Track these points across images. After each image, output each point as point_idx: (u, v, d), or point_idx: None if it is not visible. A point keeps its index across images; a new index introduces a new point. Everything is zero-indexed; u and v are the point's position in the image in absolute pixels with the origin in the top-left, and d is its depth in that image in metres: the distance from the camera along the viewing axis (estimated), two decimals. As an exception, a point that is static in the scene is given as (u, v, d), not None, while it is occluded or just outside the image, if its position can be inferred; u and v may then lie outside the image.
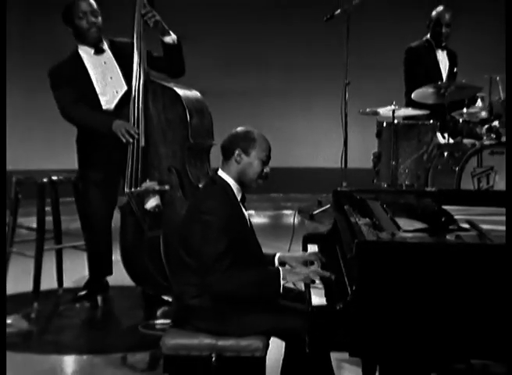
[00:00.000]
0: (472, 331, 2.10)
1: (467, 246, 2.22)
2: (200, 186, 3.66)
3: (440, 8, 5.41)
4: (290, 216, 6.71)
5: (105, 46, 4.00)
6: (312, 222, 5.64)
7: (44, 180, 4.09)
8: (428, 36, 5.51)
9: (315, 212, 5.80)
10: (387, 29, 6.85)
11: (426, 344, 2.12)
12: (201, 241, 2.62)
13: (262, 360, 2.67)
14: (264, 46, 7.14)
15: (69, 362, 3.40)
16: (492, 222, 2.70)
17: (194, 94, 3.97)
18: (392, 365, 2.19)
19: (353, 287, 2.13)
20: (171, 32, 3.90)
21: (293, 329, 2.57)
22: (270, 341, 2.70)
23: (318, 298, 2.43)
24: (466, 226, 2.52)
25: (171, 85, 3.94)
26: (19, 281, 4.09)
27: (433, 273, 2.11)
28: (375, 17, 6.50)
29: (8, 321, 3.61)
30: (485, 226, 2.54)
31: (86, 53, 3.98)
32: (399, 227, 2.37)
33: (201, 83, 4.22)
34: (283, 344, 2.79)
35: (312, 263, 2.80)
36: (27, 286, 4.07)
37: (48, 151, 6.89)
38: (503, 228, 2.51)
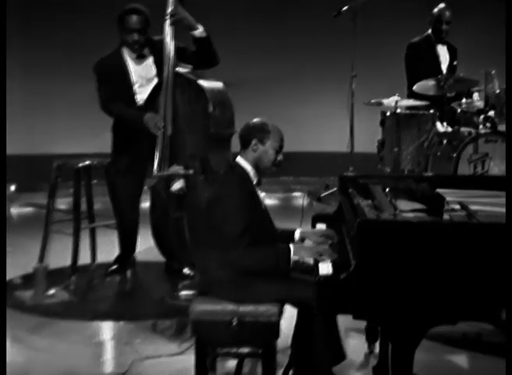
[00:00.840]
0: (457, 297, 2.34)
1: (454, 224, 2.45)
2: (220, 171, 3.74)
3: (441, 5, 5.52)
4: (300, 198, 6.78)
5: (146, 51, 4.07)
6: (320, 203, 5.73)
7: (80, 165, 4.22)
8: (429, 31, 5.64)
9: (323, 194, 5.91)
10: (391, 25, 6.88)
11: (418, 308, 2.34)
12: (224, 221, 2.82)
13: (277, 325, 2.86)
14: (277, 40, 7.21)
15: (107, 328, 3.59)
16: (481, 203, 2.85)
17: (218, 86, 4.06)
18: (389, 325, 2.42)
19: (356, 260, 2.36)
20: (199, 26, 3.91)
21: (304, 297, 2.79)
22: (284, 309, 2.90)
23: (324, 270, 2.65)
24: (457, 207, 2.69)
25: (196, 79, 4.01)
26: (58, 257, 4.30)
27: (423, 247, 2.33)
28: (380, 14, 6.54)
29: (51, 292, 3.83)
30: (474, 207, 2.71)
31: (128, 53, 4.07)
32: (396, 208, 2.58)
33: (222, 73, 4.29)
34: (296, 311, 2.99)
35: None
36: (66, 261, 4.26)
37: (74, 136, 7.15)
38: (491, 208, 2.72)
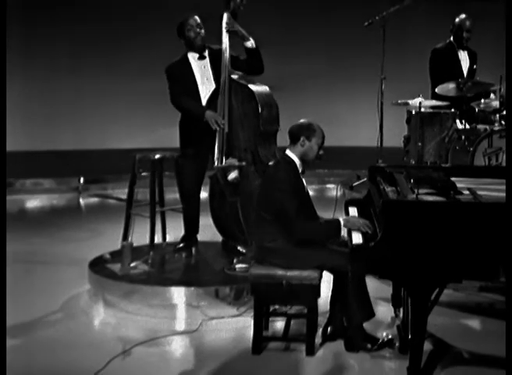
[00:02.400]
0: (461, 261, 2.80)
1: (458, 203, 2.95)
2: (269, 163, 4.07)
3: (462, 16, 5.67)
4: (333, 190, 7.01)
5: (206, 53, 4.45)
6: (352, 192, 5.93)
7: (156, 156, 4.51)
8: (452, 38, 5.74)
9: (354, 184, 6.10)
10: (416, 32, 7.02)
11: (430, 269, 2.80)
12: (281, 200, 3.28)
13: (318, 287, 3.36)
14: (314, 49, 7.45)
15: (180, 293, 3.92)
16: (489, 189, 3.28)
17: (265, 89, 4.37)
18: (407, 282, 2.89)
19: (381, 232, 2.86)
20: (250, 38, 4.30)
21: (340, 264, 3.29)
22: (323, 275, 3.36)
23: (357, 240, 3.14)
24: (466, 192, 3.17)
25: (248, 84, 4.32)
26: (137, 236, 4.64)
27: (434, 221, 2.80)
28: (406, 23, 6.66)
29: (133, 264, 4.14)
30: (482, 193, 3.14)
31: (193, 58, 4.44)
32: (414, 192, 3.01)
33: (266, 77, 4.54)
34: (331, 279, 3.49)
35: None
36: (139, 240, 4.57)
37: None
38: (497, 194, 3.15)
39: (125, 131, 7.85)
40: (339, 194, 5.26)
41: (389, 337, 3.42)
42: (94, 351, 3.39)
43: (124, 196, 4.96)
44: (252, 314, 3.51)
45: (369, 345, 3.35)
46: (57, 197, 7.51)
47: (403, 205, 2.87)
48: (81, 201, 7.47)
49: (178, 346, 3.54)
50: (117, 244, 4.52)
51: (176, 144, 4.55)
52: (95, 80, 7.78)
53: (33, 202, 7.40)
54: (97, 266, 4.26)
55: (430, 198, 3.00)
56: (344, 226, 3.30)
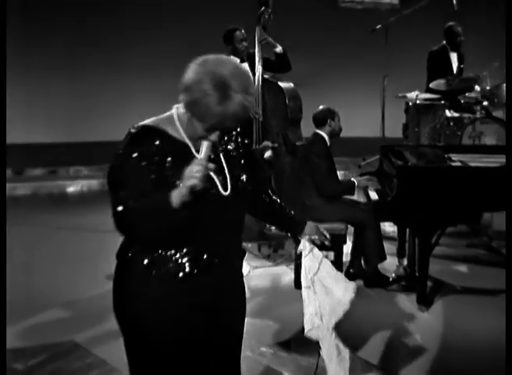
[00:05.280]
0: (455, 210, 3.51)
1: (450, 167, 3.64)
2: (297, 144, 4.74)
3: (452, 23, 6.07)
4: (341, 176, 7.36)
5: (245, 58, 4.84)
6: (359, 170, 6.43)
7: None
8: (444, 42, 6.13)
9: (362, 163, 6.67)
10: (413, 37, 7.33)
11: (432, 217, 3.51)
12: (318, 164, 3.98)
13: (344, 235, 4.00)
14: (329, 51, 7.88)
15: None
16: (473, 161, 3.90)
17: (290, 85, 4.97)
18: (416, 226, 3.63)
19: (395, 190, 3.60)
20: (278, 45, 4.86)
21: (361, 217, 3.99)
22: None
23: (374, 196, 3.87)
24: (458, 163, 3.86)
25: (277, 81, 4.88)
26: None
27: (433, 180, 3.49)
28: (405, 28, 6.82)
29: None
30: (471, 163, 3.83)
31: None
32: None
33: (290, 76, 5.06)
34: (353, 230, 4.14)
35: None
36: None
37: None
38: (478, 164, 3.81)
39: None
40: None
41: (397, 277, 4.13)
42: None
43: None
44: (286, 264, 4.16)
45: (383, 282, 4.04)
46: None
47: (412, 169, 3.60)
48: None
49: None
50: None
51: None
52: (124, 76, 7.93)
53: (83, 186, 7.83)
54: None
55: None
56: (357, 186, 4.03)
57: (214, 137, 1.68)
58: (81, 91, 8.25)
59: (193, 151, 1.71)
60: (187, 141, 1.72)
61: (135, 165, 1.64)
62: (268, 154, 4.56)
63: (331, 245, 3.83)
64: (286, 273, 4.31)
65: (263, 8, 4.83)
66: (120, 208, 1.62)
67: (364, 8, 8.19)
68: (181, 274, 1.71)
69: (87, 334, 3.40)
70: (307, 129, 4.77)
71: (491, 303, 3.84)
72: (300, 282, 3.67)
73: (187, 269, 1.71)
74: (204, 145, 1.65)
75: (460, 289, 4.07)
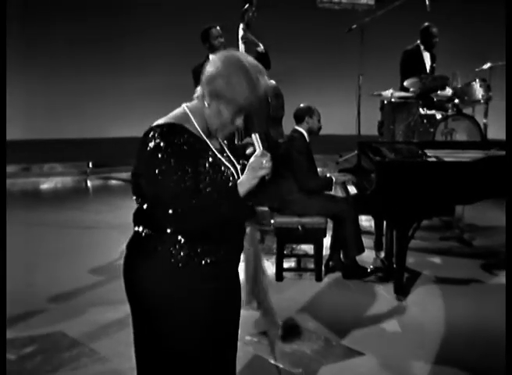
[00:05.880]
0: (430, 203, 3.64)
1: (427, 162, 3.77)
2: (279, 140, 4.81)
3: (427, 23, 6.13)
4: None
5: None
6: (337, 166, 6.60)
7: None
8: (418, 42, 6.14)
9: (340, 159, 6.75)
10: (388, 37, 7.47)
11: (409, 210, 3.64)
12: (297, 160, 4.07)
13: (324, 229, 4.11)
14: (303, 49, 8.01)
15: None
16: (446, 156, 4.05)
17: (272, 83, 4.93)
18: (393, 219, 3.75)
19: (374, 184, 3.73)
20: (260, 44, 4.96)
21: (339, 210, 4.08)
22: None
23: (353, 191, 3.98)
24: (433, 158, 3.99)
25: None
26: None
27: (408, 174, 3.61)
28: (380, 28, 6.91)
29: None
30: (445, 158, 3.97)
31: None
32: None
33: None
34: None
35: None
36: None
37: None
38: (451, 159, 3.95)
39: (138, 119, 8.14)
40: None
41: (374, 269, 4.26)
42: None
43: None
44: (267, 257, 4.25)
45: (361, 274, 4.16)
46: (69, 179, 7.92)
47: (390, 164, 3.73)
48: (89, 182, 7.89)
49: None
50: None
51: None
52: (98, 76, 7.97)
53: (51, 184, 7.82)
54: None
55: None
56: (335, 181, 4.14)
57: (257, 129, 1.89)
58: (58, 89, 8.25)
59: (211, 146, 1.80)
60: (204, 137, 1.81)
61: (179, 160, 1.69)
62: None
63: (311, 239, 4.15)
64: (267, 267, 4.38)
65: (247, 6, 4.91)
66: (182, 203, 1.68)
67: (342, 9, 8.33)
68: (204, 262, 1.78)
69: (74, 325, 3.46)
70: (286, 126, 4.89)
71: (463, 291, 4.00)
72: (280, 275, 3.82)
73: (211, 258, 1.80)
74: (257, 137, 1.80)
75: (434, 279, 4.23)
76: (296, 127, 4.30)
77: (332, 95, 8.07)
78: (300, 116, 4.28)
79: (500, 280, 4.20)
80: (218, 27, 5.12)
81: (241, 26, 4.96)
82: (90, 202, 6.77)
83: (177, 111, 1.83)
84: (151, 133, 1.74)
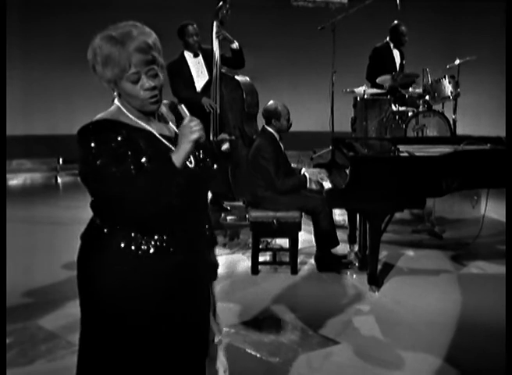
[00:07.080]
0: (402, 196, 3.72)
1: (400, 157, 3.87)
2: (253, 137, 4.78)
3: (397, 22, 6.27)
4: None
5: (199, 52, 5.07)
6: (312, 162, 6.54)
7: None
8: (388, 39, 6.30)
9: (314, 155, 6.81)
10: (359, 34, 7.53)
11: (383, 202, 3.68)
12: (264, 166, 4.08)
13: (299, 223, 4.14)
14: (276, 46, 8.03)
15: None
16: (417, 151, 4.13)
17: (247, 79, 5.10)
18: (366, 212, 3.82)
19: (348, 178, 3.77)
20: (235, 41, 4.96)
21: (314, 205, 4.13)
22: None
23: (328, 186, 4.02)
24: (405, 153, 4.06)
25: (234, 75, 4.98)
26: None
27: (384, 169, 3.70)
28: (352, 26, 7.01)
29: None
30: (416, 153, 4.04)
31: (189, 56, 5.07)
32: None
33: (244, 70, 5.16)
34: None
35: None
36: None
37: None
38: (422, 154, 4.03)
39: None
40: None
41: (348, 261, 4.35)
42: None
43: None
44: (242, 252, 4.29)
45: (336, 266, 4.24)
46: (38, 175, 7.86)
47: (364, 159, 3.83)
48: (59, 178, 7.89)
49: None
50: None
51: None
52: (67, 72, 7.85)
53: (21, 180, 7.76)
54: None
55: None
56: (309, 178, 4.16)
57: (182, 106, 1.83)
58: (28, 85, 8.17)
59: (156, 133, 1.77)
60: (144, 124, 1.77)
61: (115, 151, 1.66)
62: (225, 146, 4.27)
63: (286, 233, 4.20)
64: (243, 260, 4.47)
65: (221, 3, 4.92)
66: (119, 185, 1.64)
67: (316, 7, 8.38)
68: (157, 254, 1.75)
69: (50, 319, 3.45)
70: (260, 123, 4.80)
71: (434, 282, 4.10)
72: (256, 268, 3.89)
73: (163, 249, 1.75)
74: (183, 107, 1.81)
75: (406, 270, 4.33)
76: (266, 127, 4.29)
77: (307, 92, 8.11)
78: (266, 118, 4.26)
79: (469, 270, 4.32)
80: (195, 25, 5.11)
81: (215, 23, 4.98)
82: (61, 198, 6.73)
83: (111, 107, 1.81)
84: (83, 131, 1.72)
